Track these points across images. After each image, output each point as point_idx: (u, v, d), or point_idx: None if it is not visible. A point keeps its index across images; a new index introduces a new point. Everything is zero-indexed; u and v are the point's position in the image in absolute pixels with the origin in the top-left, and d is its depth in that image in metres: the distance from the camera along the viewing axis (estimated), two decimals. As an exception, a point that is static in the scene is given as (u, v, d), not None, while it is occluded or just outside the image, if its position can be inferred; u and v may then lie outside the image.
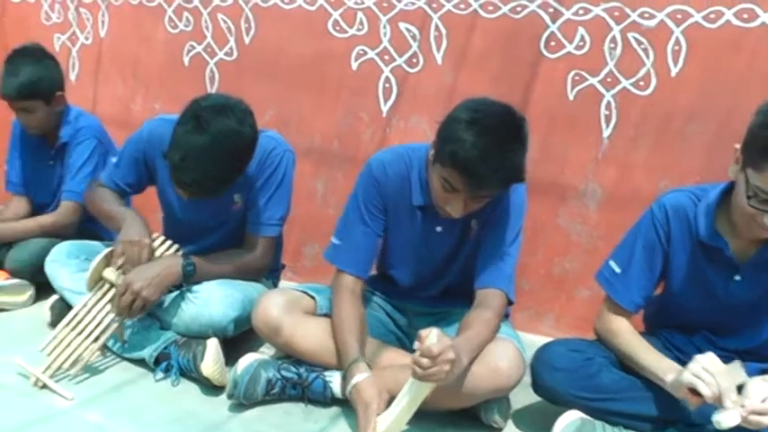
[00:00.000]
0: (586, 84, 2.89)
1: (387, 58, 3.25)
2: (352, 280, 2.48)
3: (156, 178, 2.89)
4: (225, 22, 3.63)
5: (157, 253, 2.74)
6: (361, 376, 2.24)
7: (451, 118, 2.18)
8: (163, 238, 2.80)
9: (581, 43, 2.86)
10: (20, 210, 3.56)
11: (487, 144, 2.08)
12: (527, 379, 2.32)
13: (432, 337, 2.02)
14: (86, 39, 4.13)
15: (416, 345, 2.04)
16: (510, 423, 2.43)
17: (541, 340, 2.54)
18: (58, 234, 3.21)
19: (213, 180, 2.46)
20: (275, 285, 3.00)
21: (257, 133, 2.57)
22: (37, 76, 3.22)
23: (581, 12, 2.84)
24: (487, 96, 2.23)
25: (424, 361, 2.00)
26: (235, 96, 2.55)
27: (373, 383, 2.22)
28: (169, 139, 2.50)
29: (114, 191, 2.88)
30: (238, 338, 2.71)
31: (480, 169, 2.09)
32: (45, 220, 3.31)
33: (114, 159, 2.91)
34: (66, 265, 2.90)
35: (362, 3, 3.26)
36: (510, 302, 2.41)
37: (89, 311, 2.65)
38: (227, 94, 2.58)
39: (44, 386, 2.53)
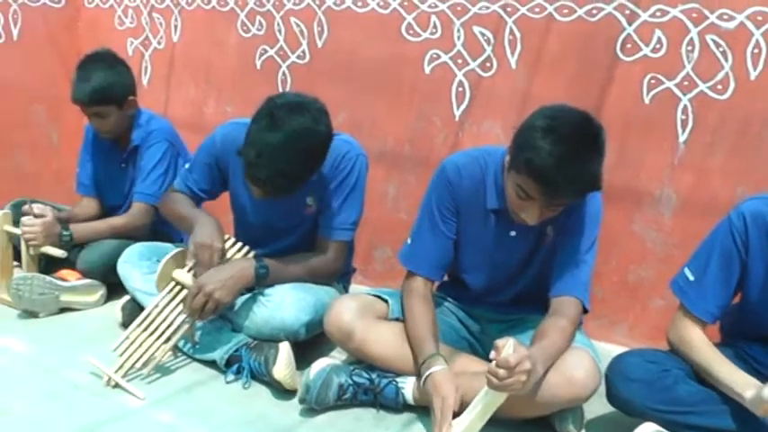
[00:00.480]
0: (663, 87, 2.83)
1: (460, 61, 3.22)
2: (423, 282, 2.48)
3: (228, 182, 2.90)
4: (297, 25, 3.63)
5: (229, 255, 2.75)
6: (438, 368, 2.22)
7: (528, 125, 2.14)
8: (234, 240, 2.82)
9: (658, 46, 2.80)
10: (89, 211, 3.61)
11: (564, 153, 2.04)
12: (601, 389, 2.27)
13: (508, 347, 2.00)
14: (159, 43, 4.18)
15: (492, 355, 2.01)
16: (583, 433, 2.38)
17: (614, 349, 2.50)
18: (129, 236, 3.24)
19: (287, 178, 2.46)
20: (346, 289, 2.99)
21: (332, 132, 2.56)
22: (109, 81, 3.26)
23: (658, 13, 2.78)
24: (565, 103, 2.19)
25: (501, 372, 1.98)
26: (310, 95, 2.55)
27: (450, 378, 2.20)
28: (241, 142, 2.51)
29: (188, 196, 2.90)
30: (309, 342, 2.71)
31: (556, 178, 2.06)
32: (116, 221, 3.35)
33: (187, 165, 2.94)
34: (138, 267, 2.94)
35: (436, 6, 3.23)
36: (585, 311, 2.37)
37: (160, 312, 2.67)
38: (303, 93, 2.58)
39: (116, 386, 2.56)
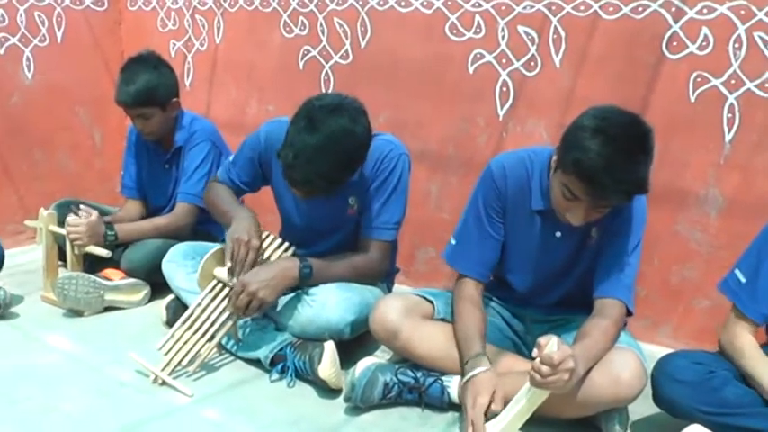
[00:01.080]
0: (709, 85, 2.79)
1: (504, 61, 3.21)
2: (474, 285, 2.48)
3: (271, 181, 2.92)
4: (341, 25, 3.64)
5: (269, 251, 2.78)
6: (479, 369, 2.22)
7: (577, 125, 2.14)
8: (273, 236, 2.83)
9: (704, 43, 2.77)
10: (133, 213, 3.66)
11: (612, 154, 2.04)
12: (647, 390, 2.25)
13: (552, 345, 2.00)
14: (201, 45, 4.20)
15: (535, 352, 2.02)
16: (629, 433, 2.36)
17: (658, 350, 2.49)
18: (172, 235, 3.27)
19: (324, 179, 2.48)
20: (390, 289, 2.99)
21: (370, 133, 2.57)
22: (152, 83, 3.29)
23: (705, 10, 2.74)
24: (614, 104, 2.18)
25: (544, 369, 1.99)
26: (350, 95, 2.56)
27: (490, 378, 2.20)
28: (282, 140, 2.54)
29: (230, 187, 2.93)
30: (352, 342, 2.72)
31: (603, 179, 2.05)
32: (160, 221, 3.39)
33: (231, 158, 2.96)
34: (183, 266, 2.97)
35: (480, 6, 3.22)
36: (629, 313, 2.35)
37: (203, 310, 2.69)
38: (342, 94, 2.59)
39: (163, 383, 2.58)
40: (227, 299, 2.66)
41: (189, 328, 2.67)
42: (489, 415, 2.15)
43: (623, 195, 2.13)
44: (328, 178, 2.48)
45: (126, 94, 3.28)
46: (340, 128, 2.46)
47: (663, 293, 3.00)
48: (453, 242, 2.54)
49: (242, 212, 2.77)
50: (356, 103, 2.56)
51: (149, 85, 3.28)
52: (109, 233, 3.25)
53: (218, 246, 2.75)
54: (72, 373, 2.69)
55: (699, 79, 2.80)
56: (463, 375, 2.29)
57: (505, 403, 2.16)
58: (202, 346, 2.66)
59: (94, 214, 3.23)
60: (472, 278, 2.48)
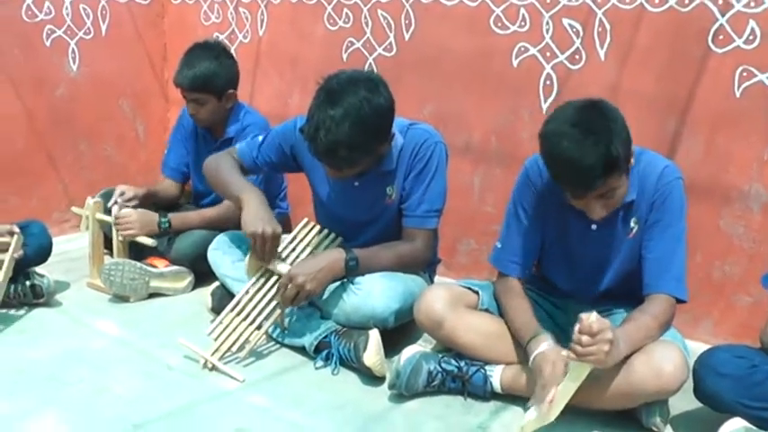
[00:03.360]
0: (755, 80, 2.77)
1: (548, 54, 3.20)
2: (516, 281, 2.51)
3: (307, 172, 2.95)
4: (385, 18, 3.65)
5: (315, 242, 2.83)
6: (544, 345, 2.27)
7: (539, 134, 2.23)
8: (319, 227, 2.88)
9: (751, 37, 2.74)
10: (170, 192, 3.75)
11: (567, 148, 2.11)
12: (686, 385, 2.26)
13: (592, 316, 2.06)
14: (245, 37, 4.23)
15: (576, 327, 2.07)
16: (669, 428, 2.37)
17: (698, 346, 2.50)
18: (220, 227, 3.28)
19: (347, 147, 2.49)
20: (432, 279, 3.01)
21: (392, 102, 2.60)
22: (212, 71, 3.35)
23: (752, 4, 2.72)
24: (572, 100, 2.27)
25: (584, 338, 2.05)
26: (366, 71, 2.59)
27: (558, 352, 2.24)
28: None
29: (245, 164, 2.94)
30: (395, 330, 2.74)
31: (571, 174, 2.14)
32: (209, 213, 3.43)
33: (260, 138, 2.97)
34: (229, 254, 3.01)
35: (525, -1, 3.24)
36: (682, 301, 2.36)
37: (251, 298, 2.73)
38: (360, 69, 2.61)
39: (213, 368, 2.63)
40: (274, 288, 2.71)
41: (237, 315, 2.72)
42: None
43: (600, 179, 2.14)
44: (350, 146, 2.50)
45: (184, 77, 3.35)
46: (358, 97, 2.50)
47: (704, 289, 2.98)
48: (499, 246, 2.57)
49: (250, 195, 2.76)
50: (374, 75, 2.64)
51: (208, 72, 3.34)
52: (163, 220, 3.33)
53: None
54: (121, 357, 2.75)
55: (744, 73, 2.79)
56: (531, 351, 2.31)
57: None
58: (251, 334, 2.70)
59: (139, 193, 3.40)
60: (513, 276, 2.52)
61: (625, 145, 2.16)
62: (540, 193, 2.47)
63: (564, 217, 2.45)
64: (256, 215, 2.67)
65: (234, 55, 3.51)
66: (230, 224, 3.24)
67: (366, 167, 2.67)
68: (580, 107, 2.19)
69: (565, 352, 2.17)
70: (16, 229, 2.94)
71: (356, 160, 2.58)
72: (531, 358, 2.28)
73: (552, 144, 2.15)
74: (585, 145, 2.09)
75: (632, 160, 2.25)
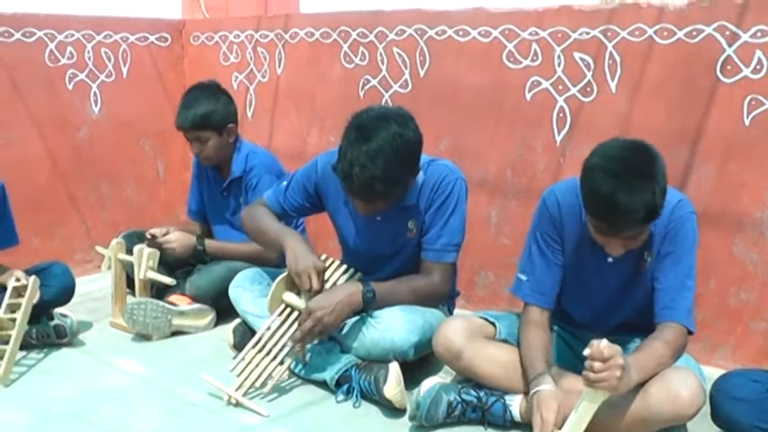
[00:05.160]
0: (763, 108, 2.80)
1: (561, 87, 3.26)
2: (539, 311, 2.52)
3: (329, 210, 2.99)
4: (400, 55, 3.72)
5: (334, 277, 2.86)
6: (544, 387, 2.27)
7: (584, 165, 2.24)
8: (338, 262, 2.91)
9: (758, 67, 2.78)
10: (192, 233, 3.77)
11: (613, 188, 2.12)
12: (705, 409, 2.27)
13: (603, 342, 2.07)
14: (263, 77, 4.31)
15: (587, 352, 2.09)
16: (688, 454, 2.37)
17: (716, 372, 2.48)
18: (259, 262, 3.30)
19: (382, 182, 2.53)
20: (451, 312, 3.03)
21: (420, 135, 2.66)
22: (210, 108, 3.44)
23: (759, 34, 2.76)
24: (620, 137, 2.28)
25: (596, 365, 2.05)
26: (394, 106, 2.64)
27: (555, 397, 2.24)
28: None
29: (275, 211, 2.99)
30: (416, 363, 2.77)
31: (611, 215, 2.15)
32: (248, 248, 3.42)
33: (284, 183, 3.02)
34: (250, 290, 3.05)
35: (537, 34, 3.28)
36: (690, 333, 2.37)
37: (273, 334, 2.77)
38: (387, 105, 2.65)
39: (237, 404, 2.66)
40: (296, 323, 2.74)
41: (259, 351, 2.75)
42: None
43: (636, 224, 2.18)
44: (386, 180, 2.54)
45: (184, 118, 3.44)
46: (390, 132, 2.56)
47: (720, 316, 3.00)
48: (523, 277, 2.57)
49: (293, 239, 2.83)
50: (402, 110, 2.68)
51: (206, 110, 3.43)
52: (199, 242, 3.48)
53: (286, 271, 2.82)
54: (144, 395, 2.79)
55: (753, 102, 2.82)
56: (527, 393, 2.34)
57: (565, 418, 2.20)
58: (273, 369, 2.73)
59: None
60: (537, 305, 2.53)
61: (663, 194, 2.19)
62: (558, 224, 2.50)
63: (580, 249, 2.48)
64: (302, 255, 2.74)
65: (229, 93, 3.60)
66: (261, 262, 3.28)
67: (396, 201, 2.71)
68: (631, 148, 2.20)
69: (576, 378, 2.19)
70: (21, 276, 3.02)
71: (391, 194, 2.62)
72: (530, 397, 2.30)
73: (598, 181, 2.16)
74: (633, 190, 2.11)
75: None
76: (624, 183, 2.11)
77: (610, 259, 2.42)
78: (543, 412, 2.21)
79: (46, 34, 4.04)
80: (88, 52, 4.22)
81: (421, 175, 2.77)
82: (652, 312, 2.40)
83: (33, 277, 2.99)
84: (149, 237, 3.48)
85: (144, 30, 4.46)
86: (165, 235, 3.46)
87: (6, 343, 2.88)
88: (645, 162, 2.17)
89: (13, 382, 2.85)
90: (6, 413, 2.63)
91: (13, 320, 2.91)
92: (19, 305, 2.94)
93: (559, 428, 2.18)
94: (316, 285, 2.71)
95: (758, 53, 2.78)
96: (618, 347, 2.07)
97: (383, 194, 2.59)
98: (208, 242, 3.52)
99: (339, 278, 2.87)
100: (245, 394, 2.68)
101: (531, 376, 2.35)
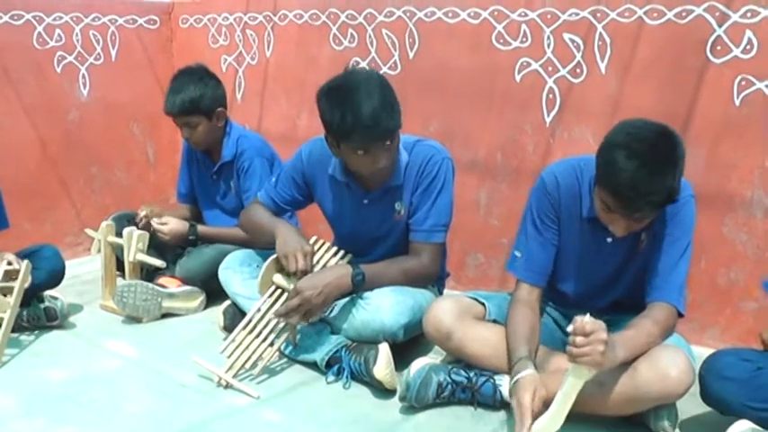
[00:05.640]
0: (754, 89, 2.81)
1: (550, 69, 3.25)
2: (528, 290, 2.52)
3: (318, 197, 3.00)
4: (389, 37, 3.71)
5: (324, 259, 2.86)
6: (523, 373, 2.26)
7: (606, 140, 2.22)
8: (328, 244, 2.92)
9: (748, 47, 2.79)
10: (184, 217, 3.76)
11: (637, 169, 2.10)
12: (695, 389, 2.28)
13: (585, 318, 2.07)
14: (252, 59, 4.30)
15: (570, 328, 2.09)
16: (677, 433, 2.38)
17: (705, 352, 2.49)
18: (248, 244, 3.29)
19: (386, 110, 2.56)
20: (440, 293, 3.03)
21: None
22: (198, 93, 3.42)
23: (749, 14, 2.76)
24: (643, 118, 2.24)
25: (578, 339, 2.05)
26: None
27: (533, 381, 2.23)
28: (325, 156, 2.79)
29: (270, 208, 3.01)
30: (406, 344, 2.77)
31: (629, 194, 2.12)
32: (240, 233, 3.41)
33: (273, 179, 3.04)
34: (239, 272, 3.06)
35: (526, 15, 3.27)
36: (680, 315, 2.38)
37: (263, 316, 2.77)
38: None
39: (228, 386, 2.66)
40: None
41: (250, 333, 2.75)
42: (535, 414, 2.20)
43: (652, 207, 2.18)
44: (386, 106, 2.56)
45: (173, 104, 3.43)
46: (364, 74, 2.66)
47: (710, 296, 3.01)
48: (518, 254, 2.57)
49: (283, 226, 2.86)
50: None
51: (194, 95, 3.41)
52: (191, 230, 3.50)
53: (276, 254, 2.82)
54: (134, 377, 2.79)
55: (743, 83, 2.82)
56: (511, 379, 2.33)
57: (548, 401, 2.20)
58: (264, 351, 2.74)
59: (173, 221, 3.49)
60: (528, 283, 2.53)
61: (680, 182, 2.19)
62: (556, 204, 2.50)
63: (580, 229, 2.49)
64: (290, 238, 2.77)
65: (217, 75, 3.59)
66: (254, 245, 3.26)
67: (394, 156, 2.71)
68: (658, 132, 2.17)
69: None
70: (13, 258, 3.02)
71: (397, 124, 2.62)
72: (511, 383, 2.29)
73: (621, 159, 2.12)
74: (655, 174, 2.11)
75: None
76: (647, 165, 2.10)
77: (609, 239, 2.43)
78: (520, 397, 2.20)
79: (34, 17, 4.01)
80: (76, 35, 4.20)
81: (406, 156, 2.78)
82: (643, 292, 2.41)
83: (26, 262, 2.99)
84: (144, 217, 3.47)
85: (132, 12, 4.44)
86: (161, 224, 3.45)
87: (-2, 326, 2.89)
88: (670, 147, 2.15)
89: (4, 364, 2.85)
90: (-3, 395, 2.64)
91: (5, 304, 2.91)
92: (10, 289, 2.94)
93: (540, 412, 2.18)
94: (302, 266, 2.71)
95: (748, 33, 2.78)
96: (601, 322, 2.07)
97: (391, 124, 2.58)
98: (200, 229, 3.52)
99: (329, 260, 2.87)
100: (235, 376, 2.68)
101: (513, 361, 2.34)
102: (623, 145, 2.14)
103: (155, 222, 3.44)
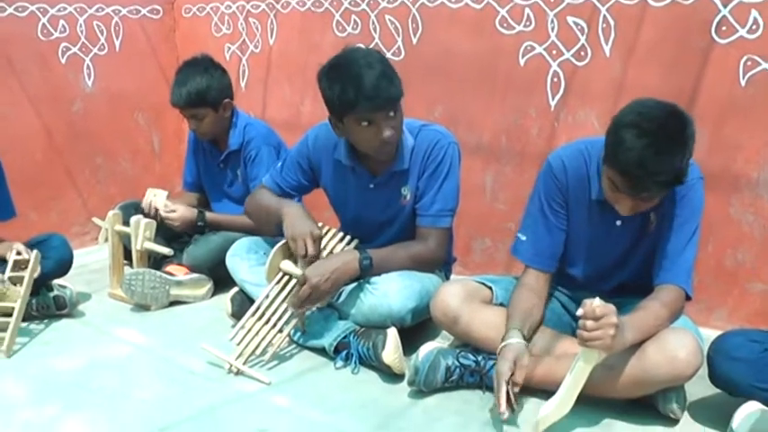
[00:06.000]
0: (759, 69, 2.79)
1: (554, 52, 3.24)
2: (535, 275, 2.53)
3: (323, 182, 3.00)
4: (392, 23, 3.70)
5: (331, 245, 2.87)
6: (507, 341, 2.30)
7: (616, 119, 2.20)
8: (334, 230, 2.92)
9: (754, 27, 2.77)
10: (190, 203, 3.78)
11: (645, 148, 2.09)
12: (703, 371, 2.28)
13: (595, 300, 2.08)
14: (255, 47, 4.31)
15: (579, 312, 2.10)
16: (686, 415, 2.38)
17: (713, 333, 2.49)
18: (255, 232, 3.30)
19: (391, 73, 2.61)
20: (447, 278, 3.03)
21: None
22: (204, 84, 3.42)
23: (754, -6, 2.77)
24: (654, 98, 2.22)
25: (589, 323, 2.06)
26: None
27: (514, 350, 2.26)
28: (330, 141, 2.81)
29: (276, 193, 3.01)
30: (413, 328, 2.78)
31: (637, 172, 2.11)
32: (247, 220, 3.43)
33: (279, 164, 3.05)
34: (246, 259, 3.06)
35: (529, -1, 3.29)
36: (688, 298, 2.38)
37: (271, 303, 2.78)
38: None
39: (238, 372, 2.67)
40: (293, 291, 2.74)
41: (258, 320, 2.76)
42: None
43: (659, 187, 2.18)
44: (389, 77, 2.59)
45: (179, 95, 3.43)
46: (361, 50, 2.72)
47: (717, 277, 3.01)
48: (523, 238, 2.57)
49: (290, 207, 2.85)
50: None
51: (200, 87, 3.41)
52: (199, 216, 3.51)
53: (284, 240, 2.82)
54: (144, 364, 2.81)
55: (749, 63, 2.81)
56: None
57: (559, 383, 2.21)
58: (273, 337, 2.74)
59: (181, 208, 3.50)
60: (534, 268, 2.53)
61: (689, 163, 2.19)
62: (563, 188, 2.49)
63: (589, 212, 2.48)
64: (298, 221, 2.76)
65: (223, 66, 3.58)
66: (261, 233, 3.27)
67: (399, 131, 2.71)
68: (668, 111, 2.16)
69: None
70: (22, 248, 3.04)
71: (398, 91, 2.62)
72: (498, 350, 2.32)
73: (630, 137, 2.11)
74: (664, 154, 2.10)
75: None
76: (656, 144, 2.09)
77: (618, 222, 2.43)
78: (499, 365, 2.24)
79: (38, 8, 4.02)
80: (80, 26, 4.20)
81: (412, 140, 2.78)
82: (651, 275, 2.41)
83: (35, 251, 3.01)
84: (155, 210, 3.48)
85: (135, 2, 4.44)
86: (169, 212, 3.46)
87: (8, 315, 2.90)
88: (680, 127, 2.14)
89: (14, 352, 2.87)
90: (8, 383, 2.65)
91: (15, 293, 2.93)
92: (20, 278, 2.96)
93: (517, 382, 2.22)
94: (311, 251, 2.71)
95: (753, 13, 2.77)
96: (611, 306, 2.08)
97: (395, 90, 2.60)
98: (209, 215, 3.53)
99: (336, 246, 2.87)
100: (245, 362, 2.69)
101: (506, 329, 2.37)
102: (633, 124, 2.12)
103: (163, 211, 3.45)
